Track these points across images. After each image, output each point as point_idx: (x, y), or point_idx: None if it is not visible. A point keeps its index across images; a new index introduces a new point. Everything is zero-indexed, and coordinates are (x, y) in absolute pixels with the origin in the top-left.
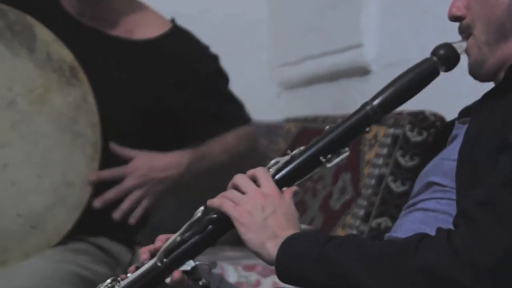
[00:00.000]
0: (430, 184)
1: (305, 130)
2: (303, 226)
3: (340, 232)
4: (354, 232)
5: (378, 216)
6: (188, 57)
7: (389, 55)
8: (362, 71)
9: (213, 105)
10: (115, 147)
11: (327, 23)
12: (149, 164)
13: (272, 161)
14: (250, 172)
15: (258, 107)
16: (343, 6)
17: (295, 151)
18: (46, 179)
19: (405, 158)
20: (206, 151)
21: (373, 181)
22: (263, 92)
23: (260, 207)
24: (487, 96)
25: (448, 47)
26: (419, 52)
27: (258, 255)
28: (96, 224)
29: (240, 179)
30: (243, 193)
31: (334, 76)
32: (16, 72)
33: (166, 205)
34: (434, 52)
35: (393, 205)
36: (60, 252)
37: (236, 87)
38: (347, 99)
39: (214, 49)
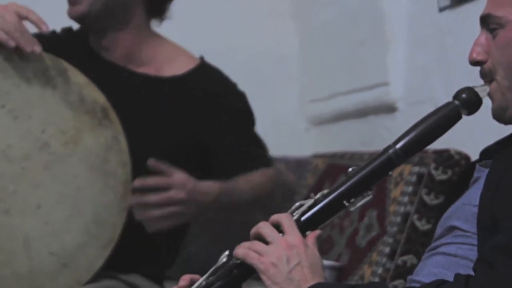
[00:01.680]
0: (452, 229)
1: (333, 166)
2: (330, 262)
3: (366, 269)
4: (380, 269)
5: (403, 253)
6: (216, 93)
7: (415, 93)
8: (389, 109)
9: (239, 143)
10: (153, 163)
11: (355, 60)
12: (192, 183)
13: (296, 204)
14: (275, 218)
15: (288, 142)
16: (371, 44)
17: (318, 195)
18: (78, 219)
19: (430, 196)
20: (234, 186)
21: (398, 219)
22: (292, 127)
23: (285, 259)
24: (508, 139)
25: (470, 91)
26: (445, 90)
27: None
28: (126, 261)
29: (264, 228)
30: (267, 242)
31: (361, 113)
32: (50, 114)
33: (197, 239)
34: (456, 96)
35: (418, 243)
36: None
37: (266, 121)
38: (374, 136)
39: (244, 84)
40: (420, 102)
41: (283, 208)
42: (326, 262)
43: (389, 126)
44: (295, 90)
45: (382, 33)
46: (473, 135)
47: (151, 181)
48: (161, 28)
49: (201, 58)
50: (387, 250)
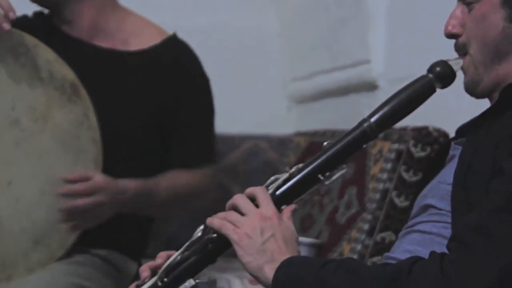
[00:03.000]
0: (427, 207)
1: (314, 144)
2: (310, 240)
3: (345, 246)
4: (359, 246)
5: (382, 230)
6: (181, 67)
7: (396, 71)
8: (370, 86)
9: (194, 129)
10: (71, 177)
11: (337, 39)
12: (112, 185)
13: (271, 178)
14: (249, 190)
15: (270, 121)
16: (351, 23)
17: (293, 169)
18: (50, 195)
19: (409, 173)
20: (153, 187)
21: (377, 196)
22: (274, 106)
23: (259, 230)
24: (481, 117)
25: (444, 64)
26: (425, 67)
27: (256, 278)
28: (100, 236)
29: (239, 200)
30: (242, 214)
31: (343, 91)
32: (19, 91)
33: (177, 218)
34: (430, 69)
35: (397, 219)
36: (63, 265)
37: (248, 100)
38: (356, 114)
39: (226, 64)
40: (401, 79)
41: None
42: (306, 239)
43: (370, 103)
44: (277, 69)
45: (363, 11)
46: (451, 112)
47: (77, 187)
48: (140, 6)
49: (174, 34)
50: (366, 227)
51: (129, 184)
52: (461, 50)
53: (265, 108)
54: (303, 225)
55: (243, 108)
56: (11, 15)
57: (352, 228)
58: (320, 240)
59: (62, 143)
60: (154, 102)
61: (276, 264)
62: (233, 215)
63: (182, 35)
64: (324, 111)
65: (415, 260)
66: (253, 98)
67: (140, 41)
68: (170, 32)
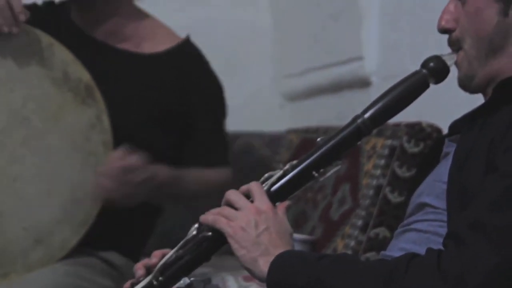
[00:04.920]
0: (423, 205)
1: (307, 141)
2: (304, 236)
3: (339, 242)
4: (353, 242)
5: (376, 226)
6: (193, 72)
7: (389, 67)
8: (363, 83)
9: (207, 132)
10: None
11: (329, 36)
12: (151, 168)
13: (265, 175)
14: (244, 187)
15: (262, 118)
16: (344, 19)
17: (287, 166)
18: (55, 195)
19: (402, 169)
20: (184, 176)
21: (371, 192)
22: (267, 103)
23: (253, 223)
24: (474, 113)
25: (437, 60)
26: (418, 64)
27: (250, 271)
28: (102, 238)
29: (233, 195)
30: (236, 209)
31: (336, 87)
32: (32, 89)
33: (174, 216)
34: (424, 64)
35: (390, 215)
36: (62, 265)
37: (241, 97)
38: (349, 110)
39: (219, 60)
40: (394, 76)
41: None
42: (300, 236)
43: (363, 100)
44: (269, 66)
45: (356, 7)
46: (445, 108)
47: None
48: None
49: (187, 37)
50: (359, 223)
51: (160, 169)
52: (455, 45)
53: (257, 105)
54: (297, 222)
55: (235, 105)
56: (22, 17)
57: (346, 224)
58: (314, 237)
59: (72, 144)
60: (165, 106)
61: (271, 258)
62: (226, 209)
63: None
64: (317, 108)
65: (412, 256)
66: (246, 95)
67: (153, 45)
68: (182, 36)
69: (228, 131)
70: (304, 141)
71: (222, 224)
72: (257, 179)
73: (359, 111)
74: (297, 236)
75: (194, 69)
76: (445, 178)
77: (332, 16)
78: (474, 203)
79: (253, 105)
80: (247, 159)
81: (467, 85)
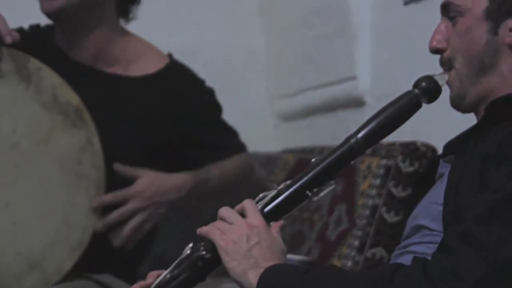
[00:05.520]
0: (419, 228)
1: (302, 161)
2: (300, 257)
3: (336, 262)
4: (350, 262)
5: (372, 246)
6: (185, 91)
7: (382, 87)
8: (357, 103)
9: (209, 136)
10: (119, 167)
11: (323, 55)
12: (154, 187)
13: (259, 195)
14: (239, 206)
15: (257, 138)
16: (337, 39)
17: (281, 186)
18: (48, 219)
19: (398, 188)
20: (207, 176)
21: (367, 212)
22: (261, 123)
23: (245, 237)
24: (468, 133)
25: (429, 79)
26: (411, 83)
27: (239, 284)
28: (96, 261)
29: (226, 212)
30: (229, 223)
31: (330, 107)
32: (21, 114)
33: (168, 235)
34: (416, 84)
35: (387, 235)
36: None
37: (235, 118)
38: (343, 130)
39: (212, 81)
40: (387, 95)
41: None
42: (296, 257)
43: (357, 120)
44: (264, 86)
45: (348, 27)
46: (439, 127)
47: (108, 197)
48: (130, 25)
49: (170, 56)
50: (356, 243)
51: (185, 178)
52: (446, 64)
53: (252, 125)
54: (293, 242)
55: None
56: (8, 39)
57: (343, 245)
58: (311, 257)
59: (63, 168)
60: (156, 128)
61: (260, 270)
62: (220, 223)
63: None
64: (312, 128)
65: (398, 265)
66: (240, 116)
67: (141, 67)
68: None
69: None
70: (299, 161)
71: (215, 236)
72: (252, 199)
73: (353, 130)
74: (293, 256)
75: (185, 88)
76: (440, 200)
77: (325, 36)
78: (466, 218)
79: (247, 126)
80: None
81: (458, 104)
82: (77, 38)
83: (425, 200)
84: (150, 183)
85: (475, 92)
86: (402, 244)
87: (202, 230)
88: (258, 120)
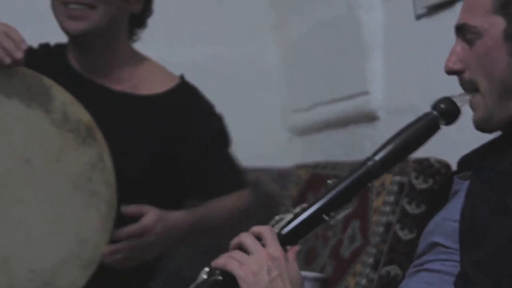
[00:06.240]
0: (434, 245)
1: (315, 177)
2: (314, 274)
3: (350, 280)
4: (364, 280)
5: (387, 264)
6: (192, 114)
7: (395, 101)
8: (369, 117)
9: (214, 165)
10: (124, 209)
11: (335, 70)
12: (162, 223)
13: (276, 218)
14: (256, 229)
15: (270, 153)
16: (350, 53)
17: (297, 209)
18: (60, 236)
19: (412, 205)
20: (206, 213)
21: (381, 229)
22: (275, 138)
23: (266, 269)
24: (485, 149)
25: (448, 101)
26: (424, 97)
27: None
28: (109, 277)
29: (246, 238)
30: (248, 252)
31: (343, 122)
32: (33, 131)
33: (182, 253)
34: (435, 106)
35: (401, 252)
36: None
37: (248, 133)
38: (356, 145)
39: (226, 96)
40: (400, 110)
41: (265, 220)
42: (310, 274)
43: (370, 134)
44: (277, 101)
45: (360, 42)
46: (453, 143)
47: (122, 233)
48: (141, 41)
49: (181, 77)
50: (370, 260)
51: (183, 217)
52: (468, 85)
53: (265, 140)
54: (307, 259)
55: (243, 140)
56: (18, 54)
57: (357, 262)
58: (324, 274)
59: (74, 185)
60: (163, 148)
61: None
62: (238, 253)
63: (181, 68)
64: (325, 143)
65: None
66: (253, 130)
67: (150, 86)
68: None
69: None
70: (312, 176)
71: (234, 267)
72: (265, 214)
73: (366, 145)
74: (307, 273)
75: (194, 108)
76: (456, 216)
77: (338, 51)
78: (485, 244)
79: (261, 140)
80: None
81: (485, 127)
82: (92, 58)
83: (438, 216)
84: (158, 219)
85: (502, 114)
86: (417, 261)
87: (218, 263)
88: (272, 135)
